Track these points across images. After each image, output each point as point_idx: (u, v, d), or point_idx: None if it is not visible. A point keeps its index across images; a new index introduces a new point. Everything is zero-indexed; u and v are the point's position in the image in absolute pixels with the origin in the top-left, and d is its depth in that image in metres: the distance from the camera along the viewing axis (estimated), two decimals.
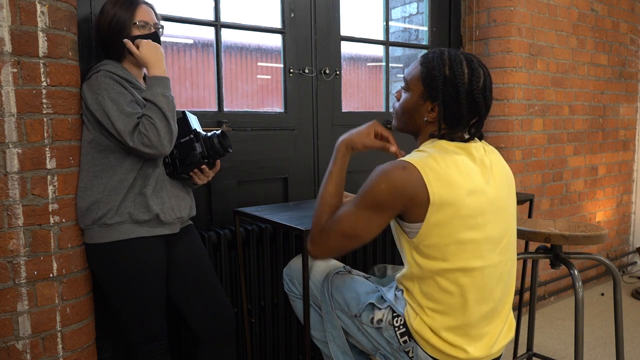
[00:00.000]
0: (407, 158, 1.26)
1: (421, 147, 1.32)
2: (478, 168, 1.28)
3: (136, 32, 1.56)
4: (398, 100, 1.40)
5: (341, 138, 1.42)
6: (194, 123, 1.63)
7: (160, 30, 1.64)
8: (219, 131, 1.60)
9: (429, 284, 1.28)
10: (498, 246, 1.30)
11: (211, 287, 1.71)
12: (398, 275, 1.38)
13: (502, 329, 1.36)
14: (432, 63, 1.29)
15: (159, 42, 1.61)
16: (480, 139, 1.37)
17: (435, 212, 1.21)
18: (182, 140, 1.57)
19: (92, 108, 1.47)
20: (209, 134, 1.60)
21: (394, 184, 1.21)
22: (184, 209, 1.63)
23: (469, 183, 1.23)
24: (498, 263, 1.30)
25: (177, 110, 1.75)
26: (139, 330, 1.59)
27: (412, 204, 1.22)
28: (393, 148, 1.39)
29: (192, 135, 1.57)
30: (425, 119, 1.32)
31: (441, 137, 1.31)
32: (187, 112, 1.62)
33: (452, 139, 1.30)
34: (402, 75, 1.40)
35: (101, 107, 1.45)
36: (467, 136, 1.32)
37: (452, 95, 1.26)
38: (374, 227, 1.28)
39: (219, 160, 1.67)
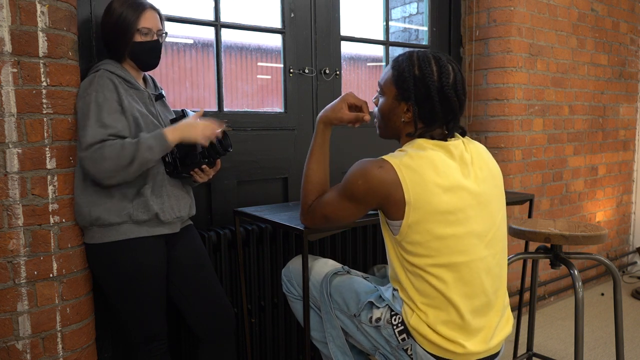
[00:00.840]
0: (386, 157, 1.30)
1: (402, 147, 1.36)
2: (457, 164, 1.30)
3: (138, 39, 1.55)
4: (377, 106, 1.45)
5: (319, 114, 1.49)
6: None
7: (163, 36, 1.63)
8: (219, 130, 1.60)
9: (419, 280, 1.30)
10: (484, 240, 1.31)
11: (211, 287, 1.71)
12: (389, 274, 1.40)
13: (498, 323, 1.37)
14: (402, 65, 1.34)
15: (159, 50, 1.62)
16: (463, 135, 1.40)
17: (413, 211, 1.25)
18: None
19: (77, 103, 1.48)
20: None
21: (369, 180, 1.27)
22: (183, 208, 1.63)
23: (446, 180, 1.26)
24: (485, 256, 1.31)
25: (176, 110, 1.75)
26: (139, 330, 1.59)
27: (388, 202, 1.27)
28: (367, 117, 1.44)
29: None
30: (403, 119, 1.36)
31: (420, 136, 1.34)
32: (186, 111, 1.62)
33: (432, 137, 1.34)
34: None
35: (85, 105, 1.46)
36: (446, 132, 1.35)
37: (424, 94, 1.31)
38: (353, 216, 1.38)
39: (219, 160, 1.67)
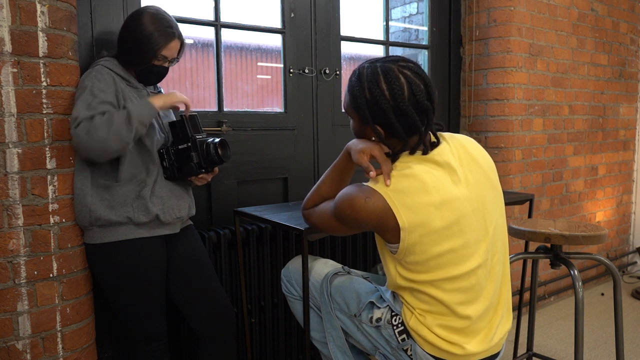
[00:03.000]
0: (373, 184, 1.26)
1: None
2: (445, 173, 1.26)
3: (152, 61, 1.56)
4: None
5: (350, 142, 1.41)
6: (193, 126, 1.61)
7: (174, 62, 1.63)
8: (218, 140, 1.58)
9: (418, 292, 1.30)
10: (482, 245, 1.29)
11: (212, 287, 1.71)
12: (387, 282, 1.39)
13: (499, 322, 1.36)
14: (355, 89, 1.28)
15: (165, 75, 1.62)
16: (441, 130, 1.33)
17: (409, 235, 1.23)
18: (179, 147, 1.57)
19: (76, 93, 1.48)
20: (209, 140, 1.59)
21: (357, 213, 1.25)
22: (183, 209, 1.63)
23: (437, 195, 1.22)
24: (484, 261, 1.30)
25: (174, 114, 1.74)
26: (138, 330, 1.59)
27: (381, 229, 1.26)
28: (372, 174, 1.31)
29: (189, 144, 1.57)
30: (373, 139, 1.32)
31: (398, 153, 1.30)
32: (184, 117, 1.59)
33: (413, 150, 1.28)
34: None
35: (79, 90, 1.46)
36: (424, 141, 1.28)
37: (381, 116, 1.26)
38: (344, 233, 1.39)
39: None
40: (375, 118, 1.27)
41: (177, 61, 1.64)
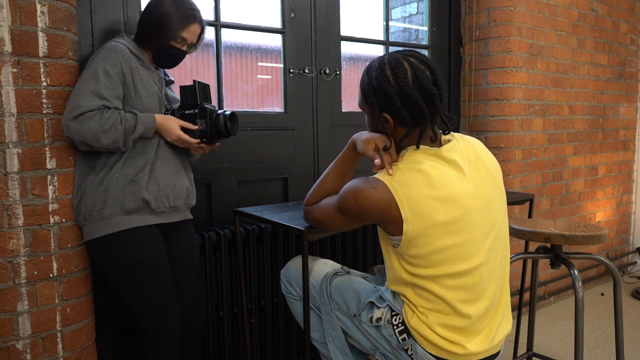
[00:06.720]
0: (379, 175, 1.28)
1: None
2: (452, 170, 1.27)
3: (172, 43, 1.55)
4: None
5: (356, 134, 1.44)
6: (204, 94, 1.60)
7: (193, 49, 1.62)
8: (229, 112, 1.56)
9: (420, 288, 1.30)
10: (485, 244, 1.30)
11: (186, 287, 1.67)
12: (388, 278, 1.39)
13: (500, 323, 1.36)
14: (363, 81, 1.33)
15: (181, 59, 1.61)
16: (451, 127, 1.35)
17: (411, 226, 1.23)
18: (186, 112, 1.56)
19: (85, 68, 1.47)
20: (219, 111, 1.57)
21: (362, 202, 1.26)
22: (179, 198, 1.60)
23: (442, 190, 1.23)
24: (487, 260, 1.30)
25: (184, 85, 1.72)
26: (150, 322, 1.56)
27: (384, 220, 1.26)
28: (377, 161, 1.33)
29: (196, 110, 1.55)
30: (385, 130, 1.33)
31: (406, 145, 1.32)
32: (197, 83, 1.57)
33: (421, 143, 1.30)
34: None
35: (87, 69, 1.45)
36: (442, 133, 1.32)
37: (387, 102, 1.27)
38: (345, 227, 1.39)
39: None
40: (381, 105, 1.29)
41: (195, 49, 1.63)
